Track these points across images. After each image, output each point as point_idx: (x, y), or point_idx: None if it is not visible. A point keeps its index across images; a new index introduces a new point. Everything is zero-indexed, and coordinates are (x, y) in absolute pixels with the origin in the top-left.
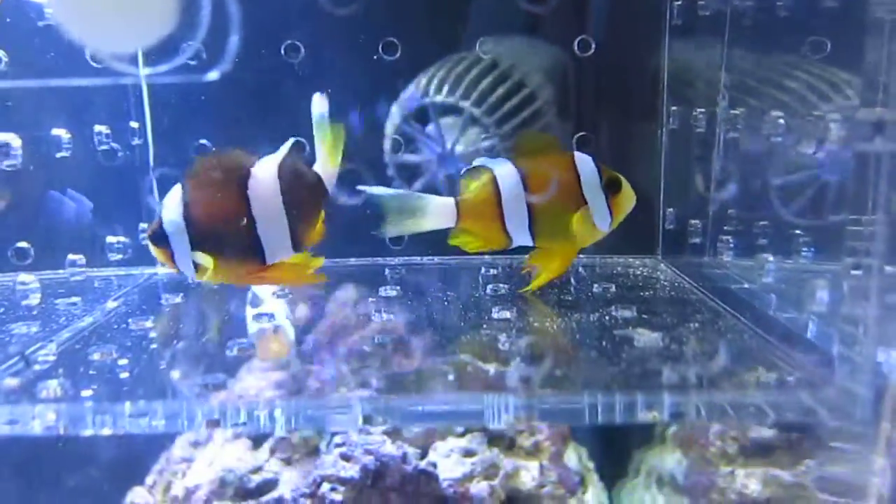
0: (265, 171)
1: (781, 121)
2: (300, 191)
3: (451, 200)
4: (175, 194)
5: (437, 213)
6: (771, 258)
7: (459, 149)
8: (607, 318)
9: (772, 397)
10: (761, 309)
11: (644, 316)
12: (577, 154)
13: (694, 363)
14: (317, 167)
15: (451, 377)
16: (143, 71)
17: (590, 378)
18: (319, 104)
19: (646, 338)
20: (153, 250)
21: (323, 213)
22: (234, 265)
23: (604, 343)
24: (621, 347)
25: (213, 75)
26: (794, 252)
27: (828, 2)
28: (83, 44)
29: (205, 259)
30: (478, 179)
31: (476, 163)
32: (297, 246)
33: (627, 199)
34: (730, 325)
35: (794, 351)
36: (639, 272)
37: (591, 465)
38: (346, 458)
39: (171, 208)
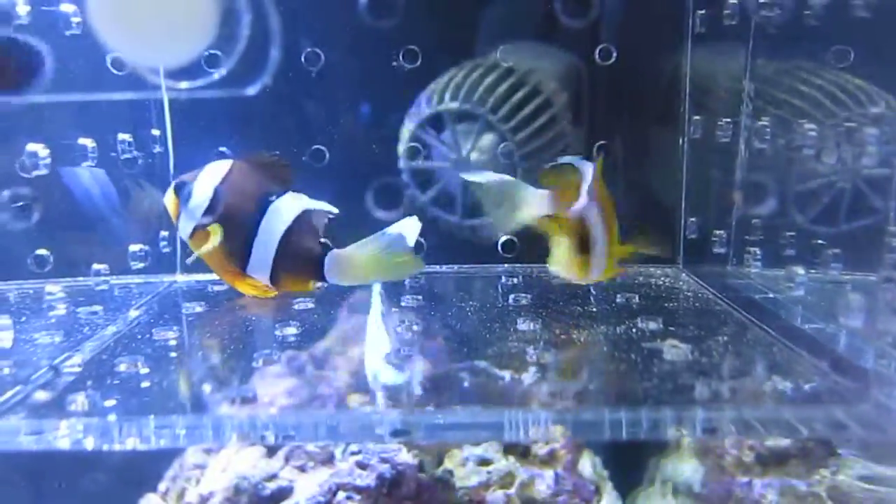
0: (290, 204)
1: (807, 130)
2: (300, 246)
3: (546, 192)
4: (220, 168)
5: (534, 203)
6: (800, 269)
7: (474, 155)
8: (634, 330)
9: (803, 412)
10: (787, 320)
11: (670, 328)
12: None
13: (725, 377)
14: (350, 250)
15: (478, 389)
16: (182, 84)
17: (622, 393)
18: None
19: (675, 351)
20: (170, 195)
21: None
22: (221, 256)
23: (632, 356)
24: (650, 361)
25: (235, 84)
26: (819, 262)
27: (858, 12)
28: (123, 57)
29: (213, 230)
30: (564, 175)
31: (564, 160)
32: (275, 279)
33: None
34: (757, 337)
35: (825, 364)
36: (661, 282)
37: (605, 473)
38: (362, 466)
39: (207, 178)
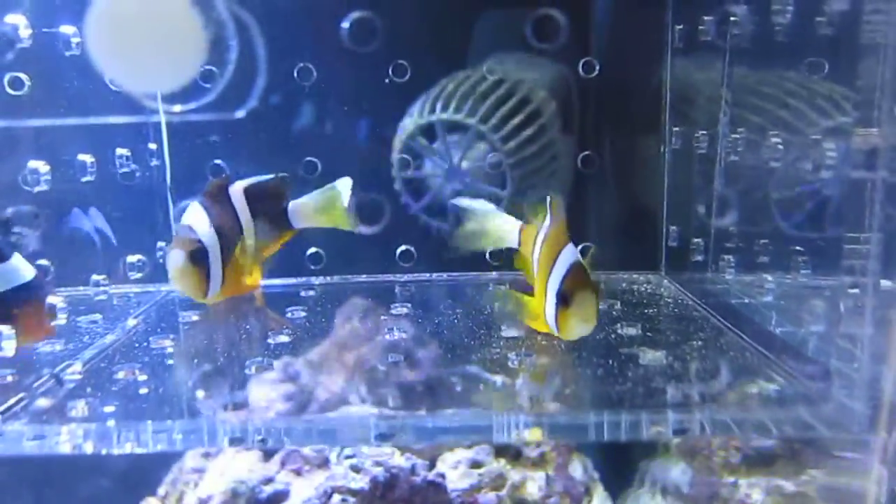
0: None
1: (781, 140)
2: (265, 196)
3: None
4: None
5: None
6: (770, 277)
7: (465, 164)
8: (613, 336)
9: (772, 414)
10: (762, 324)
11: (649, 334)
12: (567, 249)
13: (697, 381)
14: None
15: (461, 394)
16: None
17: (597, 396)
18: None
19: (650, 356)
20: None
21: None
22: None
23: (610, 361)
24: (627, 365)
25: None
26: (793, 268)
27: (823, 29)
28: (116, 83)
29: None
30: (541, 209)
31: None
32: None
33: (574, 318)
34: (732, 342)
35: (794, 367)
36: (643, 288)
37: (596, 475)
38: (356, 469)
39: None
